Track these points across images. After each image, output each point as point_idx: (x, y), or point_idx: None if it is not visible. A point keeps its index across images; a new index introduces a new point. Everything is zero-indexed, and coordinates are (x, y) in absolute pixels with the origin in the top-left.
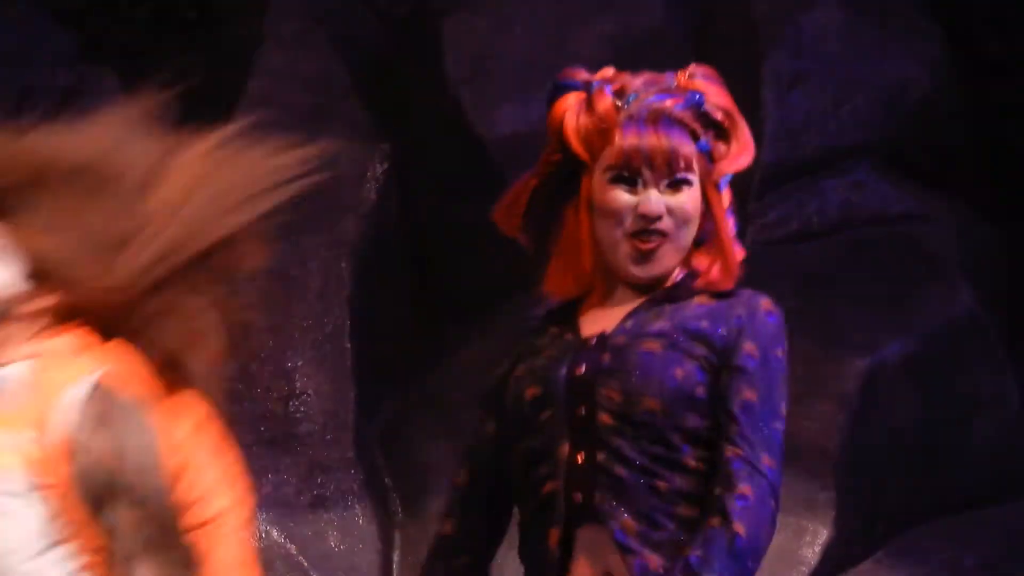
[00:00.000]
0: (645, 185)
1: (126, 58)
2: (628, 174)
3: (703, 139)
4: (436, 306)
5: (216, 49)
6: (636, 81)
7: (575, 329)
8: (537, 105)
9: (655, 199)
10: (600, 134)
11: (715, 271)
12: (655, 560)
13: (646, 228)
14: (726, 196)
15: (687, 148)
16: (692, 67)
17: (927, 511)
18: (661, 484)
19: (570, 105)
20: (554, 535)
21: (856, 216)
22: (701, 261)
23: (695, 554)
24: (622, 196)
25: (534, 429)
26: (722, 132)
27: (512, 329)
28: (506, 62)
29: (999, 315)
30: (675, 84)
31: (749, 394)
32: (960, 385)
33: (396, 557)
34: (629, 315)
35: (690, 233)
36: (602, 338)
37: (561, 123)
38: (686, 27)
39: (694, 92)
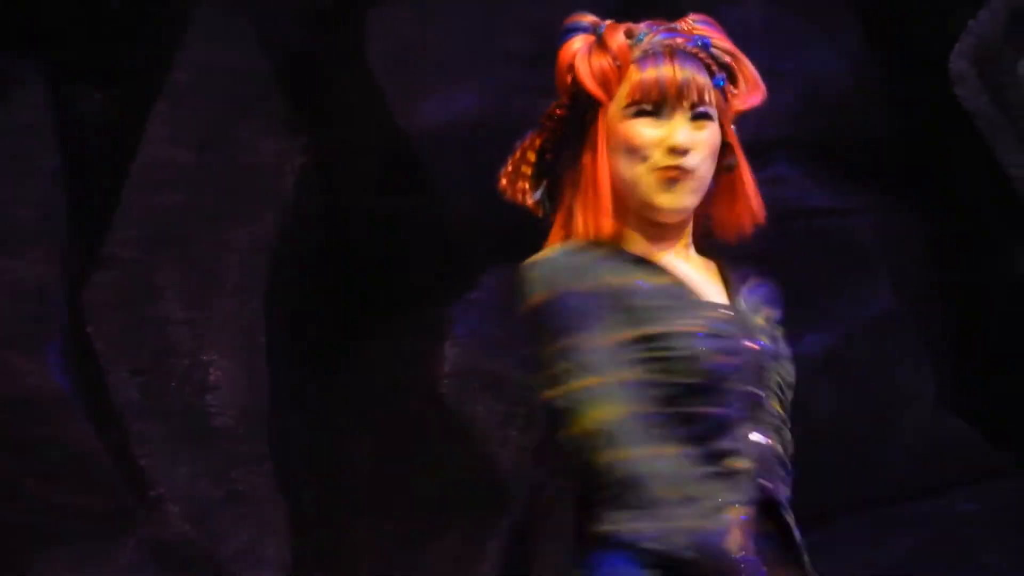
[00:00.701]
0: (670, 117)
1: (51, 48)
2: (651, 107)
3: (718, 75)
4: (358, 300)
5: (140, 41)
6: (641, 25)
7: (691, 290)
8: (462, 97)
9: (683, 130)
10: (616, 71)
11: (740, 217)
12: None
13: (672, 164)
14: None
15: (706, 80)
16: (692, 15)
17: (845, 507)
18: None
19: (579, 48)
20: (736, 512)
21: (776, 210)
22: (720, 208)
23: None
24: (646, 130)
25: (715, 399)
26: (731, 74)
27: (435, 323)
28: (431, 54)
29: (919, 310)
30: (680, 28)
31: None
32: (879, 380)
33: (310, 552)
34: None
35: (711, 171)
36: (743, 312)
37: (571, 66)
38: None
39: (699, 35)
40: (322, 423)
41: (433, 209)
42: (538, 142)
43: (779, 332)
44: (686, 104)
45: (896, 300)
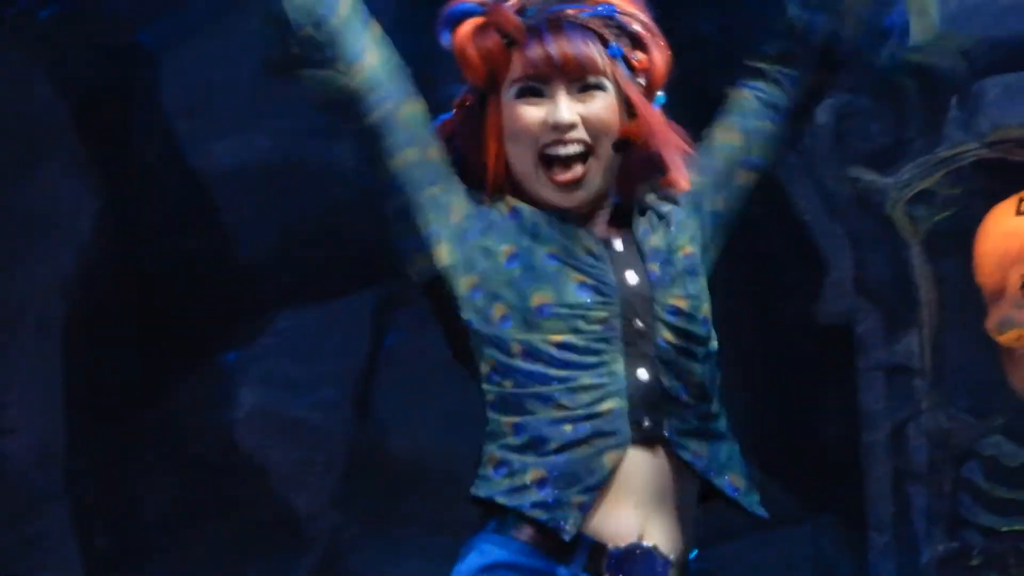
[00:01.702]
0: (553, 94)
1: None
2: (534, 85)
3: (614, 44)
4: (155, 340)
5: None
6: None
7: (575, 228)
8: (257, 138)
9: (565, 106)
10: (502, 51)
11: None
12: (736, 478)
13: (560, 140)
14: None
15: (594, 50)
16: None
17: None
18: (711, 409)
19: (467, 32)
20: (612, 457)
21: None
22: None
23: None
24: (530, 111)
25: (576, 330)
26: (639, 43)
27: (230, 366)
28: (225, 95)
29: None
30: None
31: None
32: None
33: None
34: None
35: (609, 144)
36: (634, 243)
37: (463, 52)
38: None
39: (603, 4)
40: (119, 464)
41: (228, 250)
42: (448, 128)
43: (682, 242)
44: (571, 76)
45: None
